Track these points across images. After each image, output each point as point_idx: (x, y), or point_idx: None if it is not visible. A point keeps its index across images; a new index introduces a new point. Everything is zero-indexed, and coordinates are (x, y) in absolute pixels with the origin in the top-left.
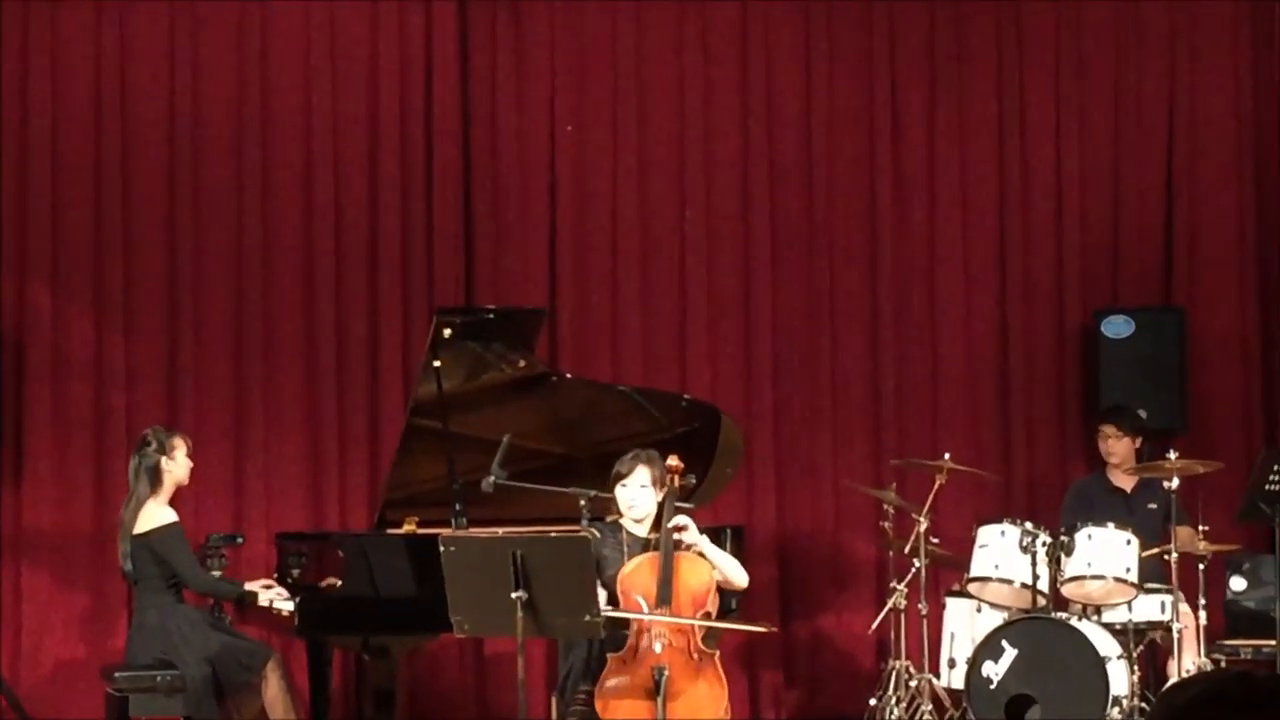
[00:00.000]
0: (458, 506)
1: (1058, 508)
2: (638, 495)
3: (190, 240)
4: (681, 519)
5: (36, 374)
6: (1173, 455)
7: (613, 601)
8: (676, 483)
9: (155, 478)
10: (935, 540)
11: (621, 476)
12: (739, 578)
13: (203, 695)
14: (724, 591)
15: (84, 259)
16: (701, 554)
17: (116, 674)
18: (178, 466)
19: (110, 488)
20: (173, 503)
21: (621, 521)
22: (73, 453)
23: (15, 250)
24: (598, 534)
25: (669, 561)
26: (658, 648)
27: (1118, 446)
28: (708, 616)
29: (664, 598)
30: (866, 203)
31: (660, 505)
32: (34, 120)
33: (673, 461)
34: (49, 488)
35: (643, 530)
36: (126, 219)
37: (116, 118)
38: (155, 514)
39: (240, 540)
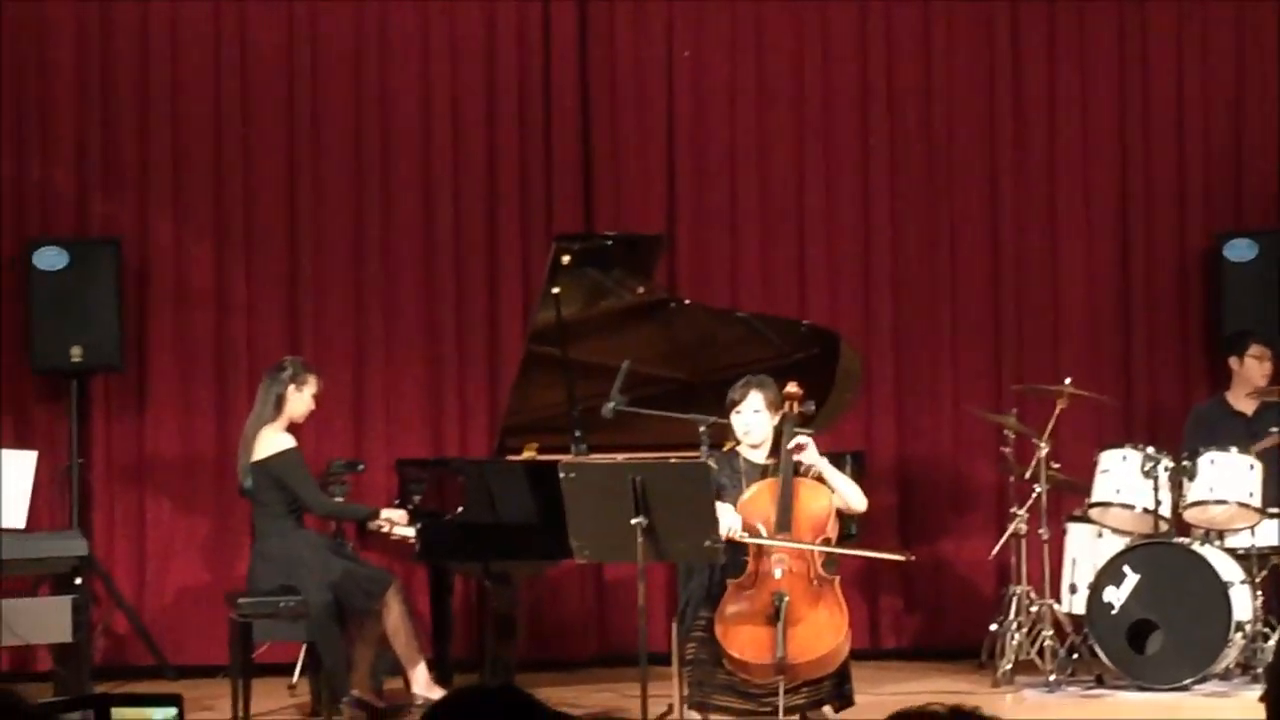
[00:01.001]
0: (577, 433)
1: (1179, 432)
2: (752, 420)
3: (310, 171)
4: (801, 438)
5: (159, 303)
6: None
7: None
8: (795, 409)
9: (278, 404)
10: (1056, 465)
11: (735, 403)
12: (858, 501)
13: (325, 621)
14: (844, 517)
15: (205, 190)
16: (820, 477)
17: (240, 600)
18: (301, 400)
19: (231, 416)
20: (292, 430)
21: (739, 449)
22: (195, 381)
23: (138, 181)
24: (715, 465)
25: (788, 487)
26: (778, 573)
27: (1270, 367)
28: (828, 542)
29: (784, 524)
30: (986, 127)
31: (778, 431)
32: (154, 53)
33: (792, 388)
34: (171, 416)
35: (760, 456)
36: (247, 149)
37: (236, 47)
38: (274, 440)
39: (361, 467)
